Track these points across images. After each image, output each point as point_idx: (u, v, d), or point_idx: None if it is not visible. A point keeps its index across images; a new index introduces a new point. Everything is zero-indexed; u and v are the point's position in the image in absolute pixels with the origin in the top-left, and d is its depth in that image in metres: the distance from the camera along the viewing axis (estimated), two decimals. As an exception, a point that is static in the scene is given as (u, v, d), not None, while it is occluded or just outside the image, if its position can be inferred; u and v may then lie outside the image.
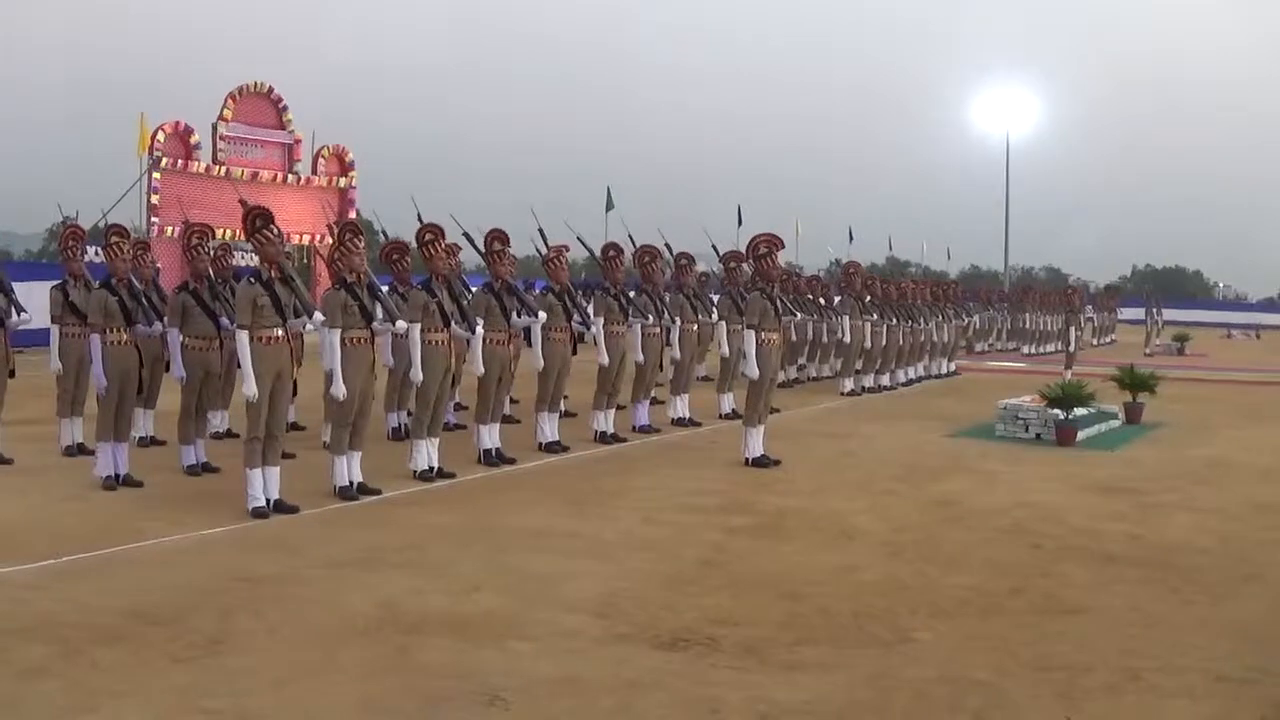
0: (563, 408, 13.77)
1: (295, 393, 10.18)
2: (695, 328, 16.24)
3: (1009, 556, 8.58)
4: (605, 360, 13.67)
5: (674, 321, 15.28)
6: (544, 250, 13.47)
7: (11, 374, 11.83)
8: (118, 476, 10.47)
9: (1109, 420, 16.21)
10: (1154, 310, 41.73)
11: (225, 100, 33.54)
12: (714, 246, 17.97)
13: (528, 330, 12.70)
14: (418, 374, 10.80)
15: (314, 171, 35.96)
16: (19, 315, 11.81)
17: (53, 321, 12.10)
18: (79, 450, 12.05)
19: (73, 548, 8.15)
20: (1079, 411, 14.81)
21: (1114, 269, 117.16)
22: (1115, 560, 8.52)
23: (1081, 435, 14.76)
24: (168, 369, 11.57)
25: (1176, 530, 9.68)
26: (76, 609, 6.77)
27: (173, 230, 29.13)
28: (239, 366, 9.61)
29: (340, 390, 9.83)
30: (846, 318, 20.35)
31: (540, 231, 13.51)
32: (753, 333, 12.17)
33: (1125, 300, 58.85)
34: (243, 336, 9.36)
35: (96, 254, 17.41)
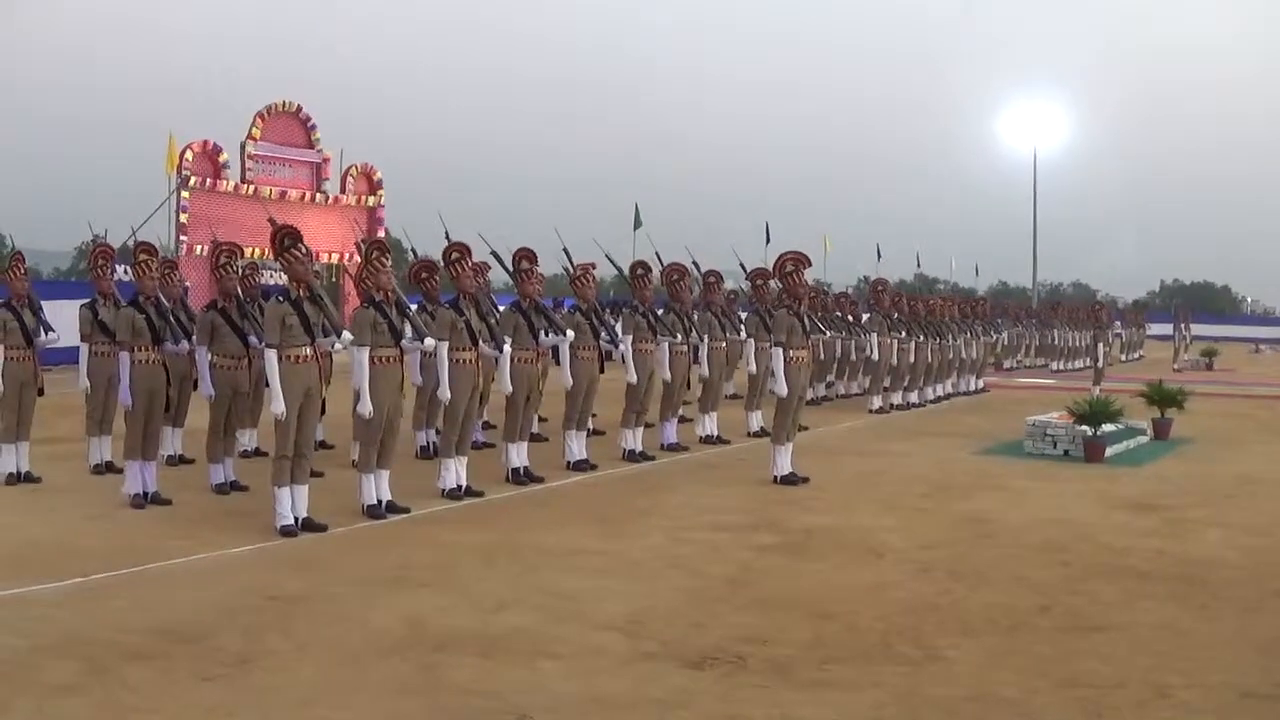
0: (591, 426, 13.76)
1: (324, 411, 10.19)
2: (724, 345, 16.22)
3: (1037, 574, 8.54)
4: (633, 378, 13.65)
5: (701, 339, 15.27)
6: (570, 269, 13.49)
7: (40, 392, 11.90)
8: (146, 495, 10.51)
9: (1137, 436, 16.15)
10: (1182, 325, 41.56)
11: (254, 119, 33.67)
12: (741, 265, 17.97)
13: (556, 349, 12.69)
14: (445, 392, 10.81)
15: (342, 190, 36.06)
16: (47, 334, 11.88)
17: (82, 340, 12.14)
18: (107, 469, 12.10)
19: (101, 566, 8.19)
20: (1107, 428, 14.74)
21: (1142, 284, 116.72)
22: (1144, 577, 8.47)
23: (1110, 452, 14.69)
24: (196, 387, 11.61)
25: (1205, 546, 9.62)
26: (105, 627, 6.80)
27: (201, 249, 29.26)
28: (268, 385, 9.64)
29: (367, 408, 9.85)
30: (875, 335, 20.33)
31: (565, 251, 13.49)
32: (780, 350, 12.16)
33: (1153, 316, 58.69)
34: (271, 355, 9.39)
35: (126, 272, 17.52)
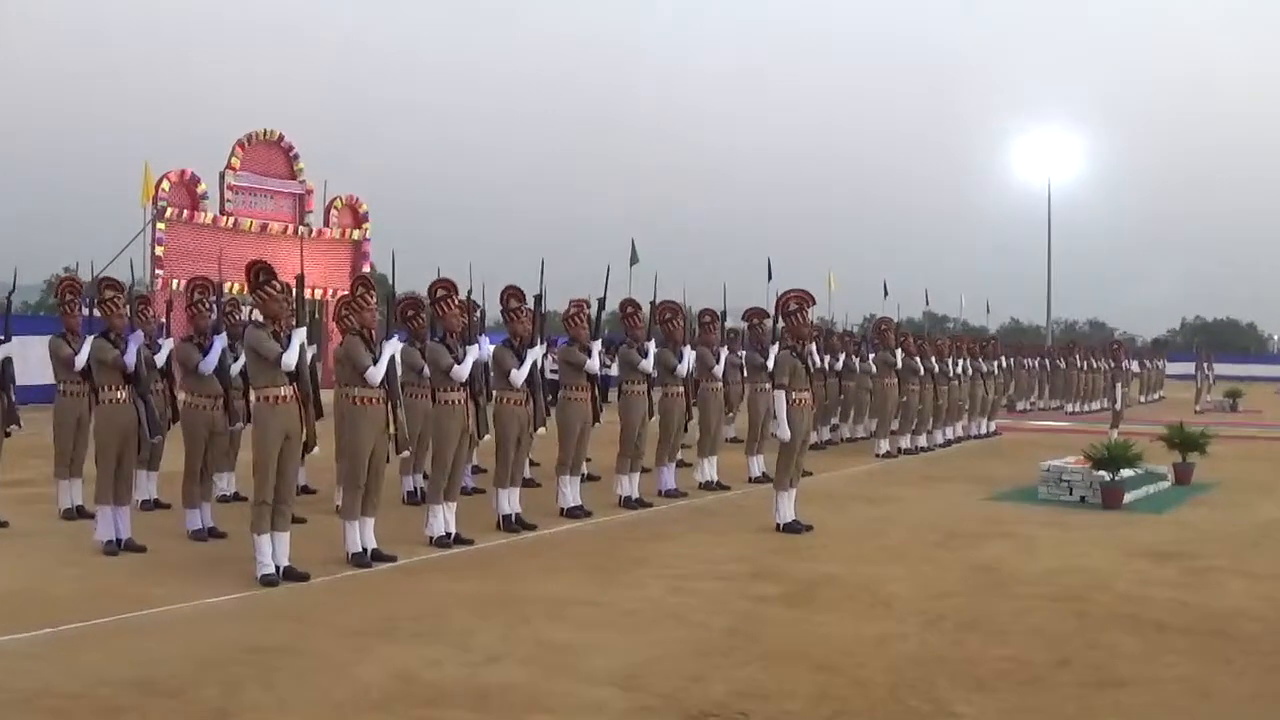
0: (585, 471, 13.76)
1: (306, 453, 10.18)
2: (721, 386, 16.21)
3: (1053, 625, 8.54)
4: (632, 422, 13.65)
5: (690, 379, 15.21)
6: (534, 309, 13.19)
7: (7, 433, 11.88)
8: (119, 541, 10.49)
9: (1157, 482, 16.15)
10: (1205, 365, 41.52)
11: (233, 148, 33.75)
12: (723, 310, 17.54)
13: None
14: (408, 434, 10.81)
15: (326, 223, 36.15)
16: None
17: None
18: (78, 513, 12.07)
19: (73, 616, 8.17)
20: (1126, 473, 14.75)
21: (1162, 322, 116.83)
22: (1165, 629, 8.47)
23: (1128, 498, 14.69)
24: (173, 424, 11.62)
25: (1229, 597, 9.62)
26: (76, 680, 6.79)
27: (178, 284, 29.30)
28: (247, 422, 9.61)
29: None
30: (878, 376, 20.39)
31: (537, 297, 12.94)
32: (783, 393, 12.18)
33: (1174, 355, 58.72)
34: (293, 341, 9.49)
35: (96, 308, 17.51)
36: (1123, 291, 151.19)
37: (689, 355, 14.38)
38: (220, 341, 11.18)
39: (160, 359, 11.77)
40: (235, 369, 11.51)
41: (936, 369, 21.43)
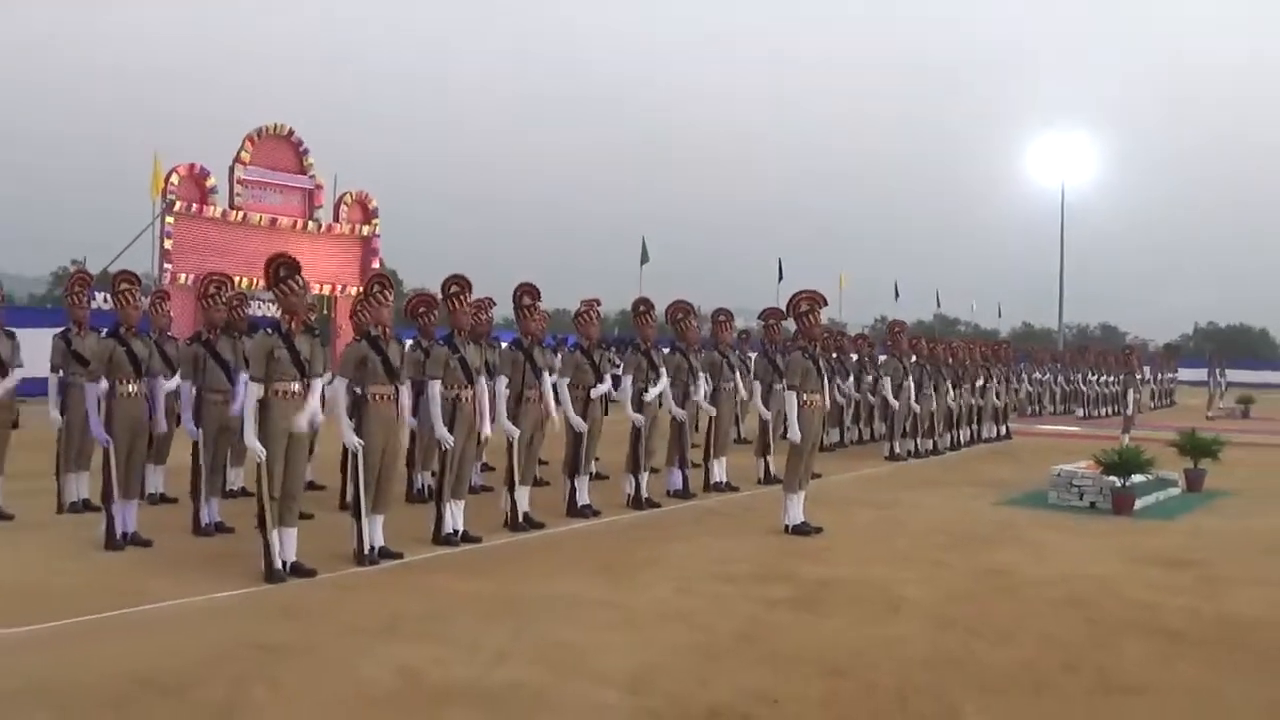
0: (594, 470, 13.74)
1: (312, 451, 10.17)
2: (733, 387, 16.18)
3: (1063, 631, 8.52)
4: (639, 421, 13.65)
5: (698, 379, 15.19)
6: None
7: (15, 425, 11.90)
8: (125, 535, 10.51)
9: (1168, 488, 16.13)
10: (1217, 371, 41.52)
11: (243, 142, 33.71)
12: (726, 311, 17.45)
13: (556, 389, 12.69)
14: (445, 437, 10.80)
15: (336, 219, 36.13)
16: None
17: (52, 370, 12.12)
18: (84, 506, 12.11)
19: (76, 609, 8.18)
20: (1137, 478, 14.73)
21: (1174, 327, 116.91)
22: (1175, 636, 8.45)
23: (1139, 504, 14.67)
24: (179, 423, 11.62)
25: (1241, 605, 9.59)
26: (79, 674, 6.78)
27: (186, 278, 29.31)
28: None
29: (351, 440, 9.88)
30: (888, 379, 20.35)
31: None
32: (794, 394, 12.17)
33: (1186, 361, 58.65)
34: (254, 388, 9.39)
35: (105, 300, 17.53)
36: (1135, 296, 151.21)
37: (606, 382, 13.85)
38: (244, 377, 11.06)
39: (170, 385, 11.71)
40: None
41: (948, 378, 21.46)
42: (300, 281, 9.70)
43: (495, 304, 13.17)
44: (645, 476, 13.91)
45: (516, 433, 11.70)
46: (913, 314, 76.75)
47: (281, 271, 9.69)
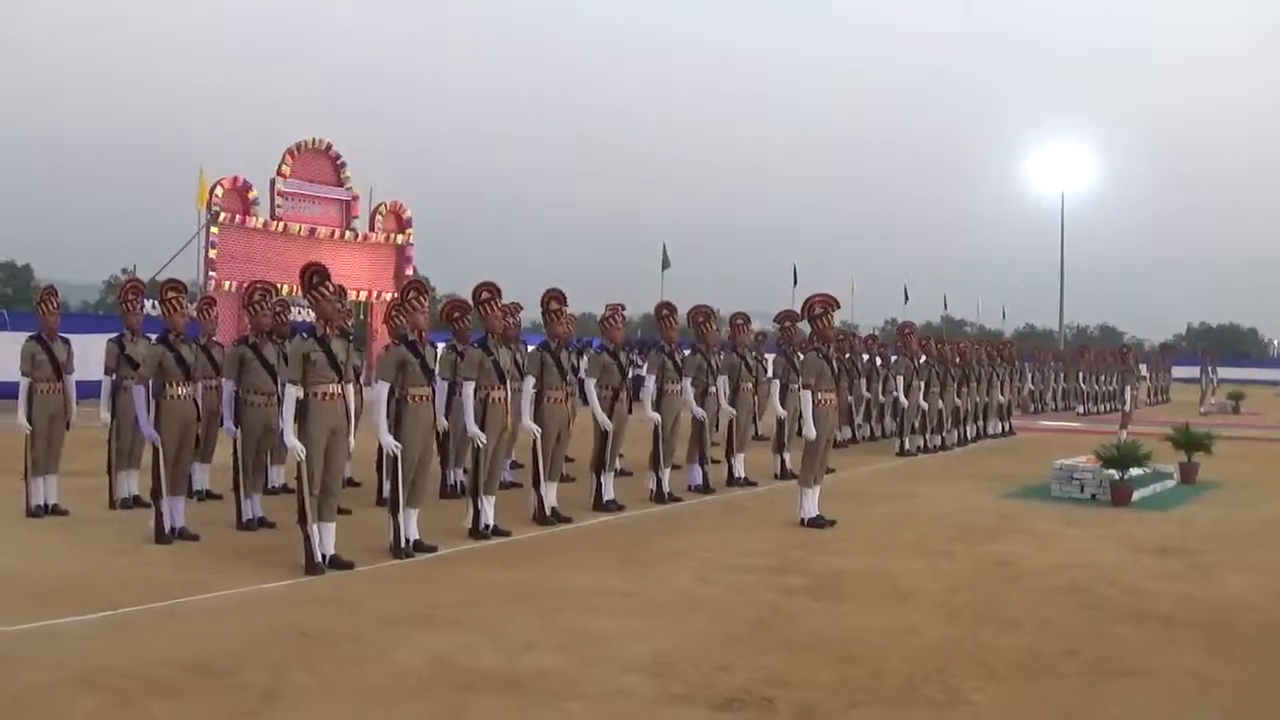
0: (619, 466, 13.75)
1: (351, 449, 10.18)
2: (752, 387, 16.16)
3: (1063, 618, 8.50)
4: (657, 419, 13.64)
5: (715, 379, 15.19)
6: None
7: (68, 425, 11.96)
8: (173, 529, 10.54)
9: (1164, 480, 16.09)
10: (1209, 369, 41.44)
11: (284, 156, 33.85)
12: (744, 315, 17.49)
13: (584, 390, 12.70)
14: (478, 434, 10.81)
15: (371, 228, 36.24)
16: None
17: (106, 373, 12.19)
18: (134, 503, 12.15)
19: (128, 600, 8.22)
20: (1134, 471, 14.71)
21: (1169, 327, 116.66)
22: (1171, 622, 8.42)
23: (1137, 495, 14.65)
24: (222, 423, 11.66)
25: (1232, 592, 9.57)
26: (132, 661, 6.81)
27: (230, 285, 29.42)
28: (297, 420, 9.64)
29: (389, 442, 9.88)
30: (900, 377, 20.35)
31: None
32: (809, 393, 12.16)
33: (1180, 359, 58.51)
34: (290, 391, 9.42)
35: (154, 307, 17.61)
36: (1132, 298, 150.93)
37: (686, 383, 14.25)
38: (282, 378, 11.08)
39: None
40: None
41: (955, 375, 21.45)
42: (331, 287, 9.74)
43: (523, 308, 13.18)
44: (667, 472, 13.91)
45: (538, 431, 11.70)
46: (921, 316, 76.73)
47: (314, 279, 9.75)
